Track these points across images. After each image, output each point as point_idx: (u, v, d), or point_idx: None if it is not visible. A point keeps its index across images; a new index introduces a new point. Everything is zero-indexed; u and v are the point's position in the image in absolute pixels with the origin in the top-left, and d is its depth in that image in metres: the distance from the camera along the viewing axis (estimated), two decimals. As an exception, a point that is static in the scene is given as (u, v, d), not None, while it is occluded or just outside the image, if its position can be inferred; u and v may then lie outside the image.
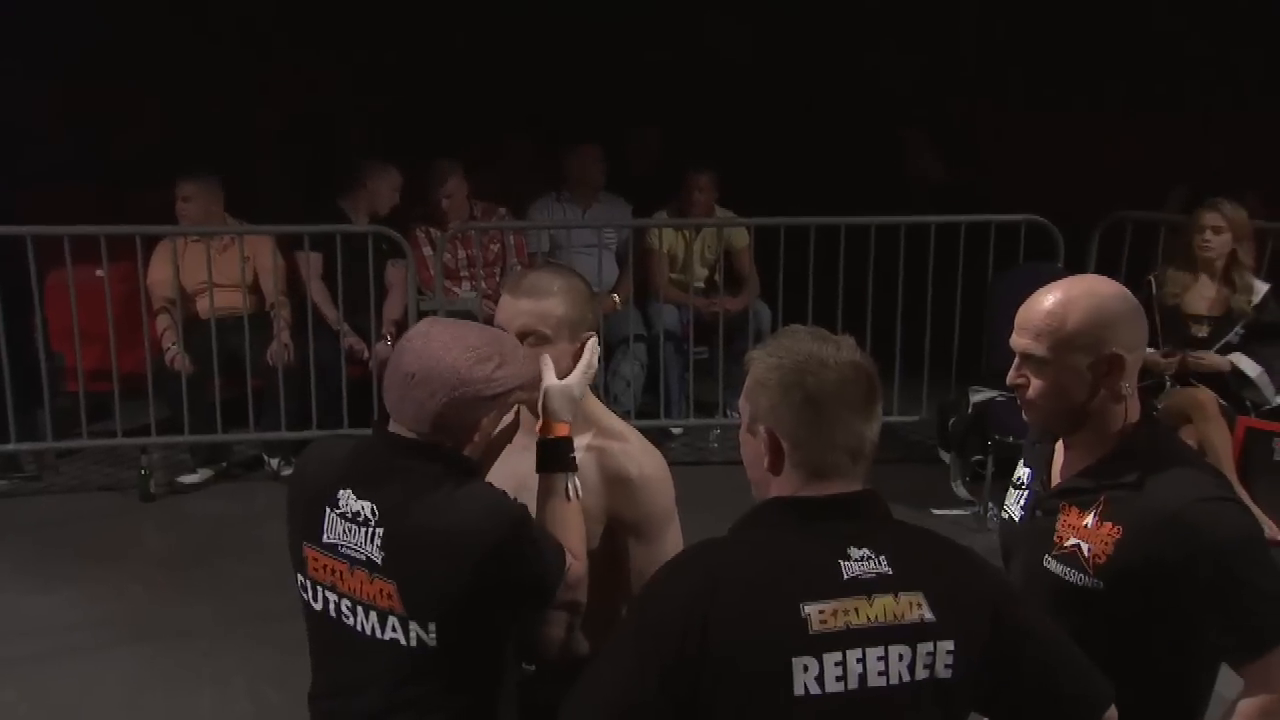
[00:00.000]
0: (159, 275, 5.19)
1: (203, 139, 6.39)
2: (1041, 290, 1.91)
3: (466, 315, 5.31)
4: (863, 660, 1.52)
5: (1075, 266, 5.36)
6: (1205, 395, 4.46)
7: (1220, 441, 4.36)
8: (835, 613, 1.52)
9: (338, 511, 1.83)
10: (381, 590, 1.80)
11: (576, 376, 2.01)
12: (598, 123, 6.42)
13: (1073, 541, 1.88)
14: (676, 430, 5.74)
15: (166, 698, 3.58)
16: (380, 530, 1.80)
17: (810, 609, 1.52)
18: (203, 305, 5.22)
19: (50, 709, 3.51)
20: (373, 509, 1.81)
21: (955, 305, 5.40)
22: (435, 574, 1.78)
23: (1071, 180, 6.30)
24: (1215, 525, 1.78)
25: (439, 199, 5.48)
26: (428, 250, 5.47)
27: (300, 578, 1.91)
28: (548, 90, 7.33)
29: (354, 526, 1.82)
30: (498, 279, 5.54)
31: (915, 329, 5.37)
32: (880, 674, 1.53)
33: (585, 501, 2.03)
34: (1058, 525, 1.91)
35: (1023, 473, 2.09)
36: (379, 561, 1.80)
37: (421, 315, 5.26)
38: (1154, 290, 4.65)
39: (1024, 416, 1.96)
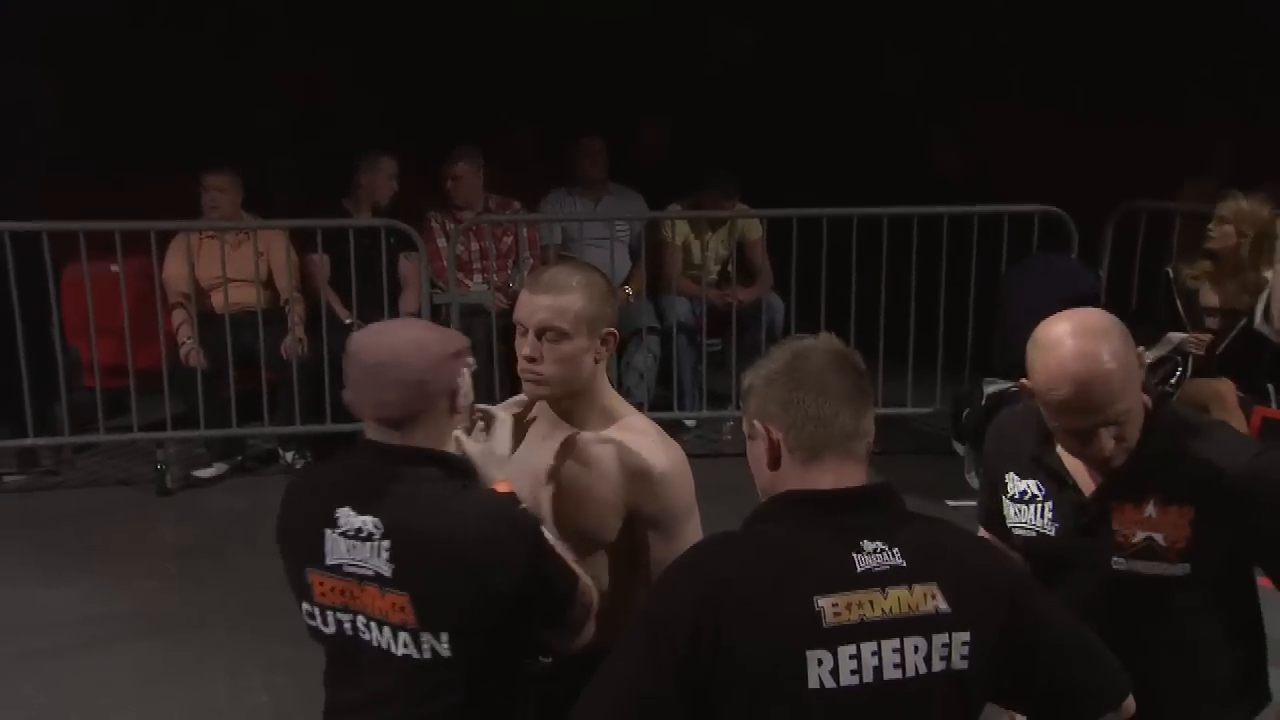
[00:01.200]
0: (174, 271, 5.22)
1: (213, 133, 6.40)
2: (1062, 376, 1.85)
3: (478, 308, 5.32)
4: (878, 653, 1.52)
5: (1089, 257, 5.35)
6: (1224, 385, 4.43)
7: (1236, 432, 4.35)
8: (849, 605, 1.52)
9: (339, 531, 1.81)
10: (394, 604, 1.78)
11: (497, 436, 1.97)
12: (605, 115, 6.41)
13: (1142, 535, 1.89)
14: (690, 422, 5.74)
15: (182, 689, 3.60)
16: (387, 543, 1.77)
17: (824, 602, 1.52)
18: (217, 300, 5.24)
19: (67, 701, 3.54)
20: (375, 523, 1.78)
21: (969, 297, 5.38)
22: (448, 584, 1.76)
23: (1083, 173, 6.26)
24: None
25: (445, 179, 5.49)
26: (442, 242, 5.48)
27: (306, 606, 1.87)
28: (556, 83, 7.31)
29: (358, 543, 1.79)
30: (509, 272, 5.54)
31: (929, 320, 5.35)
32: (896, 666, 1.52)
33: (604, 494, 2.03)
34: (1115, 525, 1.92)
35: (1025, 485, 2.04)
36: (389, 575, 1.77)
37: (435, 308, 5.28)
38: (1173, 278, 4.62)
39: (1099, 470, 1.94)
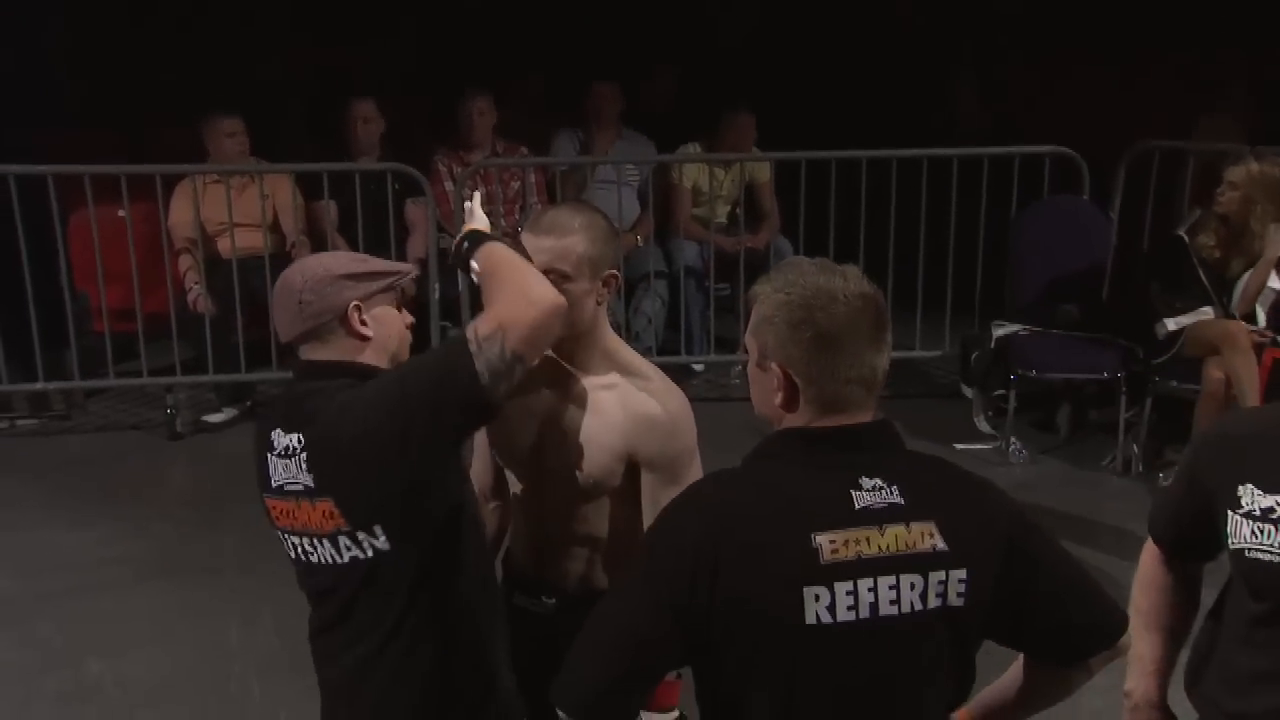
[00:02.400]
0: (180, 216, 5.21)
1: (222, 81, 6.36)
2: None
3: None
4: (874, 589, 1.52)
5: (1101, 199, 5.31)
6: (1237, 326, 4.38)
7: (1247, 375, 4.31)
8: (847, 542, 1.52)
9: (275, 453, 1.85)
10: (324, 512, 1.80)
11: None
12: (616, 61, 6.35)
13: None
14: (698, 367, 5.74)
15: (196, 631, 3.65)
16: (305, 455, 1.81)
17: (821, 539, 1.52)
18: (224, 245, 5.23)
19: (85, 641, 3.59)
20: (298, 438, 1.82)
21: (979, 239, 5.35)
22: (360, 476, 1.77)
23: (1095, 113, 6.18)
24: None
25: (465, 116, 5.45)
26: (449, 185, 5.46)
27: (277, 532, 1.92)
28: (566, 30, 7.23)
29: (288, 461, 1.83)
30: (517, 217, 5.52)
31: (938, 263, 5.32)
32: (891, 603, 1.53)
33: (607, 439, 2.03)
34: None
35: (1272, 501, 1.72)
36: (312, 485, 1.81)
37: (442, 253, 5.27)
38: (1189, 243, 4.54)
39: None
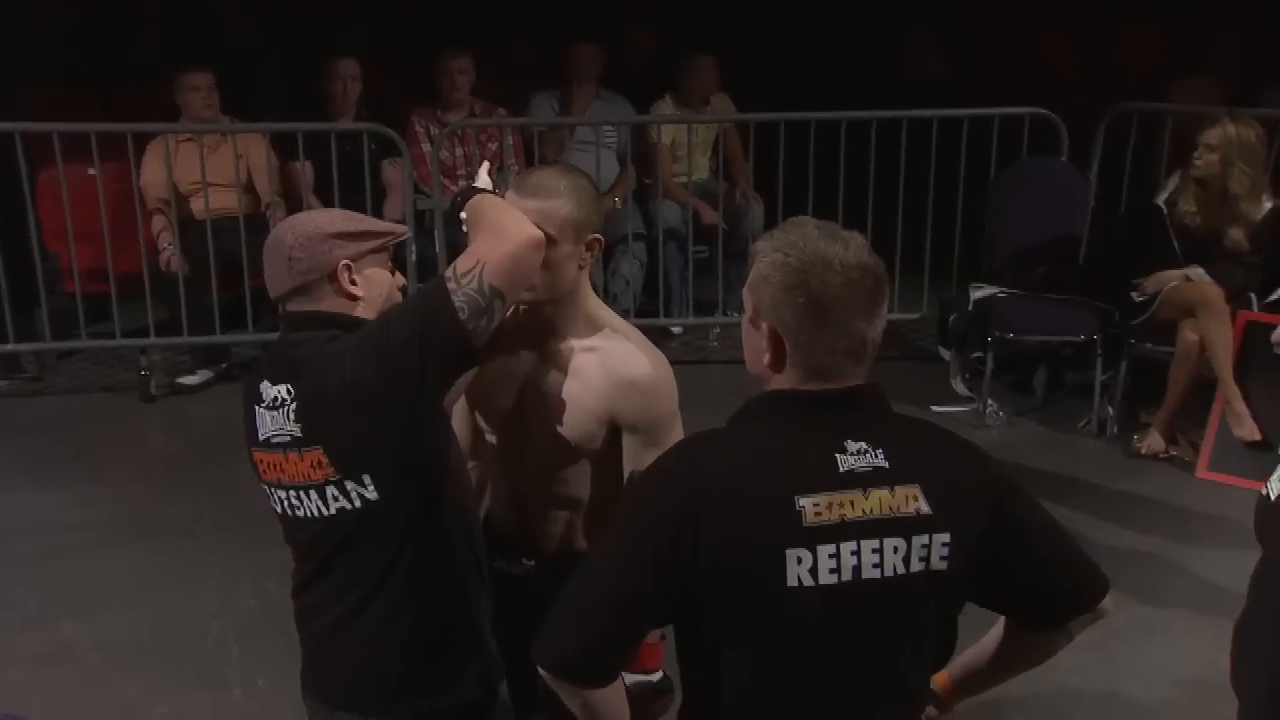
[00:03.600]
0: (152, 176, 5.13)
1: (196, 39, 6.26)
2: None
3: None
4: (857, 553, 1.53)
5: (1080, 161, 5.31)
6: (1213, 290, 4.41)
7: (1220, 338, 4.35)
8: (830, 505, 1.52)
9: (262, 405, 1.84)
10: (312, 461, 1.81)
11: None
12: (595, 24, 6.29)
13: None
14: (676, 329, 5.74)
15: (173, 593, 3.64)
16: (294, 405, 1.81)
17: (805, 502, 1.52)
18: (197, 206, 5.17)
19: (58, 604, 3.57)
20: (287, 389, 1.82)
21: (957, 201, 5.35)
22: (348, 425, 1.78)
23: (1075, 75, 6.16)
24: None
25: (444, 75, 5.41)
26: (426, 146, 5.41)
27: (263, 486, 1.92)
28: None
29: (275, 413, 1.83)
30: (494, 178, 5.47)
31: (916, 225, 5.32)
32: (875, 566, 1.53)
33: (588, 403, 2.02)
34: None
35: None
36: (300, 435, 1.81)
37: (419, 214, 5.22)
38: (1166, 213, 4.56)
39: None
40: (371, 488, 1.80)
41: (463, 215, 1.92)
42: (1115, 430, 4.75)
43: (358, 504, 1.81)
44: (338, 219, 1.89)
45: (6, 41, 5.16)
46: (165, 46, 6.06)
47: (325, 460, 1.80)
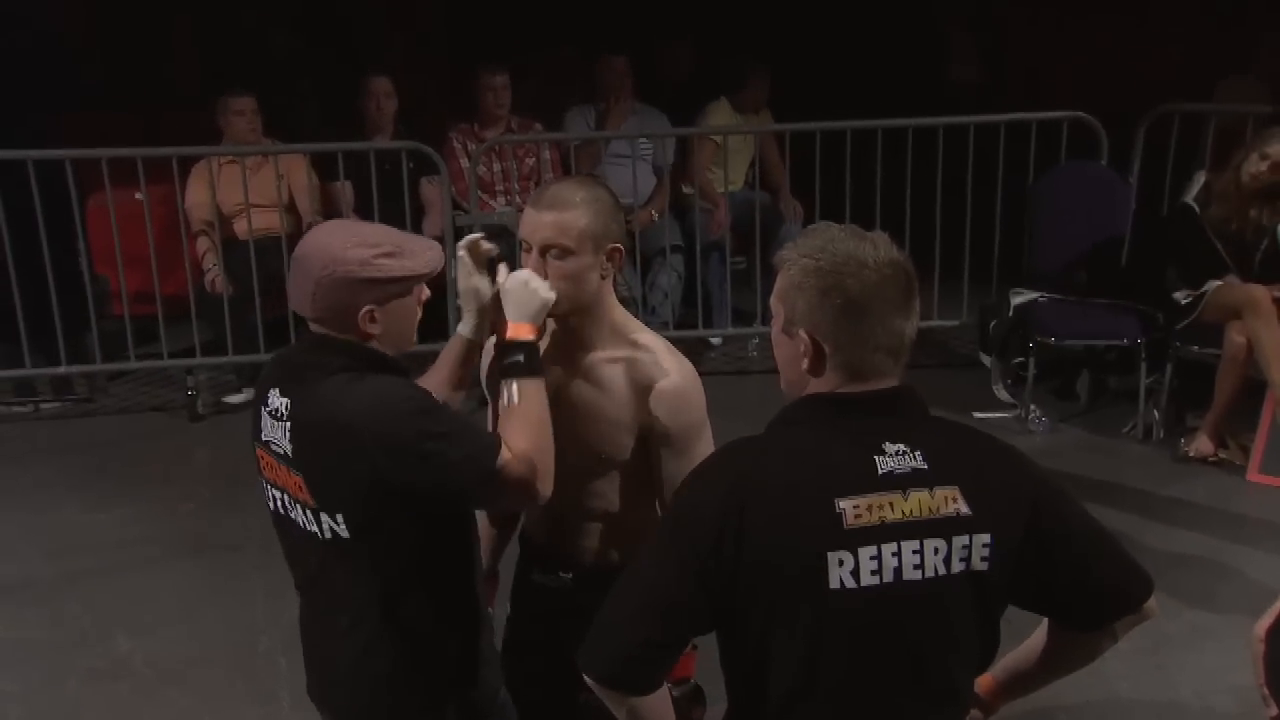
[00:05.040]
0: (196, 198, 5.22)
1: (236, 60, 6.36)
2: None
3: (502, 229, 5.30)
4: (898, 554, 1.53)
5: (1120, 165, 5.26)
6: (1260, 291, 4.35)
7: (1269, 339, 4.28)
8: (870, 508, 1.53)
9: (268, 410, 1.87)
10: (296, 483, 1.84)
11: (545, 282, 1.95)
12: (631, 37, 6.32)
13: None
14: (716, 340, 5.74)
15: (222, 609, 3.69)
16: (289, 424, 1.83)
17: (845, 504, 1.52)
18: (240, 227, 5.24)
19: (112, 620, 3.63)
20: (288, 404, 1.84)
21: (996, 207, 5.32)
22: (332, 465, 1.79)
23: (1114, 78, 6.11)
24: None
25: (484, 90, 5.44)
26: (464, 162, 5.45)
27: (261, 480, 1.95)
28: (582, 5, 7.20)
29: (276, 422, 1.85)
30: (532, 194, 5.49)
31: (955, 232, 5.29)
32: (915, 567, 1.53)
33: (616, 413, 2.03)
34: None
35: None
36: (290, 454, 1.83)
37: (457, 231, 5.26)
38: (1199, 215, 4.50)
39: None
40: (344, 526, 1.82)
41: (509, 388, 1.88)
42: (1162, 434, 4.69)
43: (329, 536, 1.83)
44: (368, 253, 1.81)
45: (49, 67, 5.25)
46: (204, 68, 6.15)
47: (305, 487, 1.83)
